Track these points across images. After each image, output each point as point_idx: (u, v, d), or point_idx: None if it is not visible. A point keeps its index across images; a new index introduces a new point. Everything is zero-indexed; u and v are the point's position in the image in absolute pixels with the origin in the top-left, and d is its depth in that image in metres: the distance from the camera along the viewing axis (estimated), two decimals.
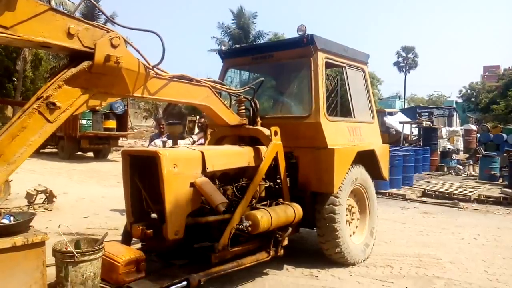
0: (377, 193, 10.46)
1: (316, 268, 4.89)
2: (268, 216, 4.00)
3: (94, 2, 3.86)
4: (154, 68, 3.45)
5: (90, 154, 19.29)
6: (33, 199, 7.86)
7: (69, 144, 17.61)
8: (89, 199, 9.12)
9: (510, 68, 43.24)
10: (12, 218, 2.83)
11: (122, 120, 18.78)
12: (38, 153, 19.30)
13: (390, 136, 21.81)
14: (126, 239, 4.17)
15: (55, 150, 19.28)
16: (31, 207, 7.73)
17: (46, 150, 20.41)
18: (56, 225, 6.76)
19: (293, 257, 5.13)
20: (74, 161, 17.08)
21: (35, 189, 7.89)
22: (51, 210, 7.86)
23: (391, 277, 4.78)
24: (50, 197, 8.01)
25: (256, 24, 35.19)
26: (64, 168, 15.03)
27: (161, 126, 8.08)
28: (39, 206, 7.86)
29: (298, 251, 5.51)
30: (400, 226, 7.45)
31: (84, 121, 16.94)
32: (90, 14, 28.18)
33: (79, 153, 18.65)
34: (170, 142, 6.09)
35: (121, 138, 20.07)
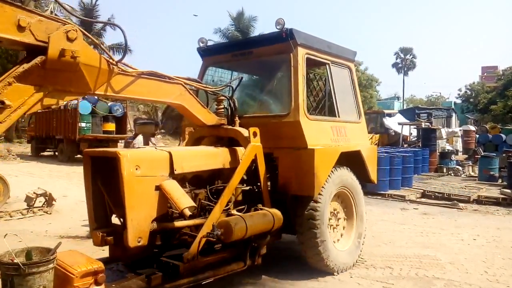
0: (376, 194, 10.55)
1: (316, 269, 4.88)
2: (243, 224, 3.68)
3: None
4: (119, 64, 3.22)
5: None
6: (33, 202, 7.85)
7: (68, 147, 17.64)
8: None
9: (509, 68, 43.31)
10: None
11: (121, 123, 18.84)
12: (37, 156, 19.35)
13: (389, 137, 21.88)
14: None
15: (55, 153, 19.29)
16: (31, 210, 7.73)
17: (45, 153, 20.43)
18: (55, 228, 6.79)
19: (292, 259, 5.13)
20: (74, 164, 17.04)
21: (34, 192, 7.88)
22: (50, 213, 7.85)
23: (391, 278, 4.77)
24: (49, 200, 7.99)
25: (255, 28, 35.14)
26: (63, 171, 15.02)
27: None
28: (39, 209, 7.85)
29: (297, 253, 5.50)
30: (400, 227, 7.45)
31: (83, 124, 16.98)
32: (89, 16, 28.24)
33: (79, 156, 18.60)
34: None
35: (120, 141, 20.07)
